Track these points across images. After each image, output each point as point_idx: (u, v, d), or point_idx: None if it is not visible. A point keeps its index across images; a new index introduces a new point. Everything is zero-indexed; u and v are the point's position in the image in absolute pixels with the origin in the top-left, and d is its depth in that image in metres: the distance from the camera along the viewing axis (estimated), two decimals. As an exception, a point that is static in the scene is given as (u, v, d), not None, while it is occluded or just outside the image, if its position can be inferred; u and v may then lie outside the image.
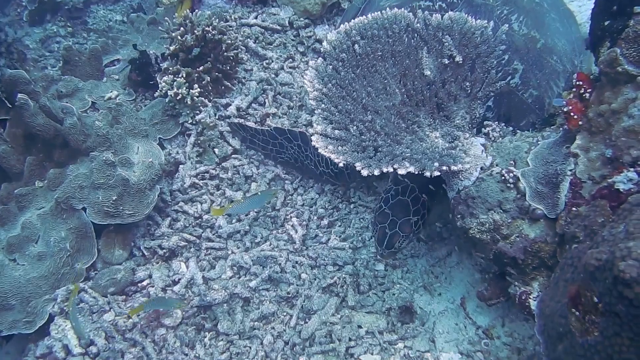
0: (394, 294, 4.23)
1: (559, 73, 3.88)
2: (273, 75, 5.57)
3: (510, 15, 3.84)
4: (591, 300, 2.23)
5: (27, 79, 4.71)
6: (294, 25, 5.94)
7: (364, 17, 3.41)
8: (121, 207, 4.42)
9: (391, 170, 2.91)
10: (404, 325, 4.11)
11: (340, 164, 2.96)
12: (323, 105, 3.18)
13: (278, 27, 5.95)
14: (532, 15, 3.91)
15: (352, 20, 3.41)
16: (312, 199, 4.91)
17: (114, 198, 4.36)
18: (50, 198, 4.62)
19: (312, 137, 3.04)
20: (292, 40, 5.90)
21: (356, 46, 3.33)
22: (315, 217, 4.81)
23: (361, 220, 4.73)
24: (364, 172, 2.89)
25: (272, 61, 5.70)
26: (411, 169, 2.91)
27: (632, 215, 2.31)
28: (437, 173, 2.93)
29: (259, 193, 4.45)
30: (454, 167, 2.97)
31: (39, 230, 4.50)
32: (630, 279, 1.95)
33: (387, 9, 3.37)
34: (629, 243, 2.07)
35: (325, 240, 4.63)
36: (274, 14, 6.01)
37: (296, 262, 4.51)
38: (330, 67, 3.31)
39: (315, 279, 4.38)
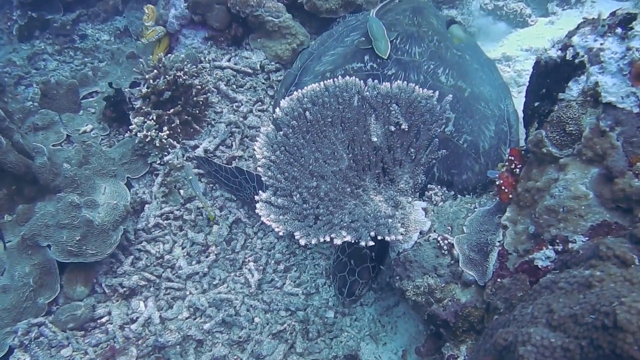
0: (341, 342, 4.42)
1: (489, 117, 4.13)
2: (242, 118, 5.76)
3: (437, 69, 4.11)
4: (498, 376, 2.41)
5: (2, 116, 4.86)
6: (265, 69, 6.16)
7: (317, 84, 3.61)
8: (84, 247, 4.58)
9: (328, 239, 3.09)
10: (348, 374, 4.30)
11: (280, 234, 3.14)
12: (270, 172, 3.36)
13: (249, 71, 6.15)
14: (456, 67, 4.20)
15: (305, 88, 3.60)
16: (271, 242, 5.09)
17: (77, 238, 4.52)
18: (17, 232, 4.77)
19: (257, 205, 3.22)
20: (263, 83, 6.11)
21: (307, 113, 3.53)
22: (273, 262, 4.98)
23: (316, 266, 4.92)
24: (302, 242, 3.07)
25: (242, 104, 5.89)
26: (348, 239, 3.09)
27: (538, 299, 2.50)
28: (371, 243, 3.11)
29: None
30: (387, 238, 3.16)
31: (4, 263, 4.65)
32: (526, 363, 2.13)
33: (327, 73, 3.58)
34: (530, 329, 2.25)
35: (280, 285, 4.82)
36: (247, 58, 6.22)
37: (251, 306, 4.68)
38: (281, 133, 3.50)
39: (267, 324, 4.55)
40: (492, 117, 4.14)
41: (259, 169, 3.38)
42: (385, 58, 4.15)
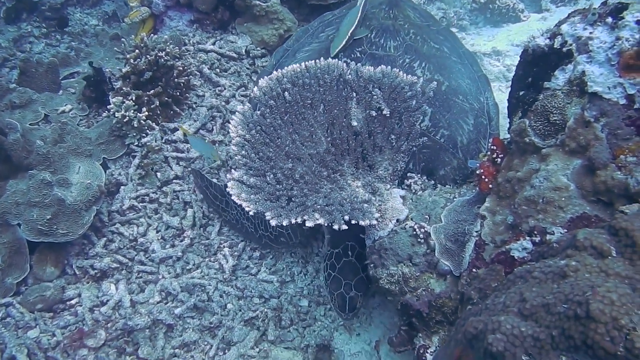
0: (314, 331, 4.35)
1: (467, 111, 4.06)
2: (224, 103, 5.67)
3: (413, 63, 4.04)
4: (468, 366, 2.34)
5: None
6: (250, 54, 6.07)
7: (297, 65, 3.53)
8: (55, 226, 4.47)
9: (300, 221, 3.01)
10: (319, 364, 4.23)
11: (251, 213, 3.05)
12: (244, 151, 3.27)
13: (234, 55, 6.06)
14: (433, 61, 4.13)
15: (285, 68, 3.52)
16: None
17: (48, 217, 4.42)
18: (-12, 210, 4.67)
19: (228, 184, 3.14)
20: (247, 69, 6.02)
21: (286, 93, 3.44)
22: (249, 248, 4.90)
23: (292, 254, 4.84)
24: (273, 222, 2.99)
25: (225, 88, 5.80)
26: (320, 221, 3.01)
27: (511, 288, 2.44)
28: (344, 227, 3.03)
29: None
30: (362, 222, 3.08)
31: (-27, 241, 4.55)
32: (496, 352, 2.06)
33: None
34: (501, 317, 2.19)
35: (255, 272, 4.74)
36: (232, 42, 6.14)
37: (224, 292, 4.60)
38: (258, 112, 3.41)
39: (240, 310, 4.47)
40: (471, 110, 4.08)
41: (232, 147, 3.29)
42: (332, 56, 4.03)
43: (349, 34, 4.09)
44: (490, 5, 7.07)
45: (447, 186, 3.75)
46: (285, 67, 3.51)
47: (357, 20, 4.15)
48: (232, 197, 3.08)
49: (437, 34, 4.50)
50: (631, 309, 1.84)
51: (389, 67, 3.52)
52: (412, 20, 4.47)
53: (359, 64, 3.56)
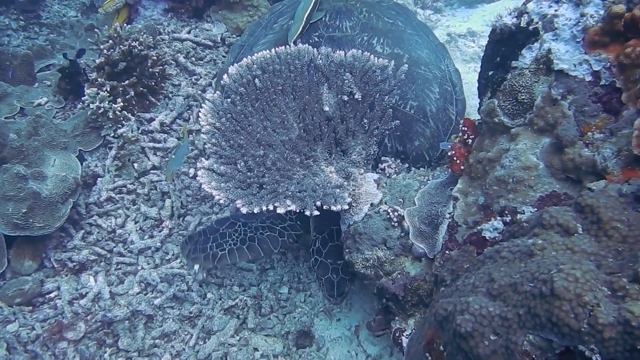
0: (294, 318, 4.34)
1: (431, 80, 4.06)
2: (200, 92, 5.64)
3: (371, 40, 4.03)
4: (439, 347, 2.35)
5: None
6: (226, 42, 6.04)
7: (267, 51, 3.51)
8: (31, 220, 4.44)
9: (271, 208, 3.00)
10: (299, 350, 4.22)
11: (221, 201, 3.03)
12: (214, 139, 3.25)
13: (210, 43, 6.03)
14: (390, 35, 4.13)
15: (255, 54, 3.49)
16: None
17: (23, 211, 4.38)
18: (-37, 205, 4.63)
19: (198, 172, 3.12)
20: (223, 56, 5.98)
21: (256, 80, 3.42)
22: (227, 237, 4.88)
23: (272, 242, 4.82)
24: (243, 210, 2.98)
25: (201, 77, 5.77)
26: (292, 207, 3.01)
27: (481, 269, 2.44)
28: (316, 212, 3.03)
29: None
30: (333, 207, 3.08)
31: (-51, 237, 4.51)
32: (465, 332, 2.06)
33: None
34: (469, 298, 2.20)
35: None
36: (207, 30, 6.10)
37: (203, 282, 4.58)
38: (228, 100, 3.39)
39: (220, 299, 4.46)
40: (435, 79, 4.08)
41: (202, 135, 3.27)
42: (289, 44, 3.99)
43: (304, 19, 4.05)
44: (464, -15, 7.08)
45: (420, 169, 3.74)
46: (256, 54, 3.49)
47: (312, 4, 4.12)
48: (203, 186, 3.06)
49: (388, 9, 4.49)
50: (595, 285, 1.84)
51: (359, 50, 3.50)
52: None
53: (329, 49, 3.55)
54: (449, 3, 7.28)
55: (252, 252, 4.06)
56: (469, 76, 5.14)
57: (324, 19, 4.14)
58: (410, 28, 4.36)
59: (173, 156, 4.47)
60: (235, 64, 3.46)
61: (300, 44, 3.69)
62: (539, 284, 1.93)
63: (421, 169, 3.75)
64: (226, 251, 4.06)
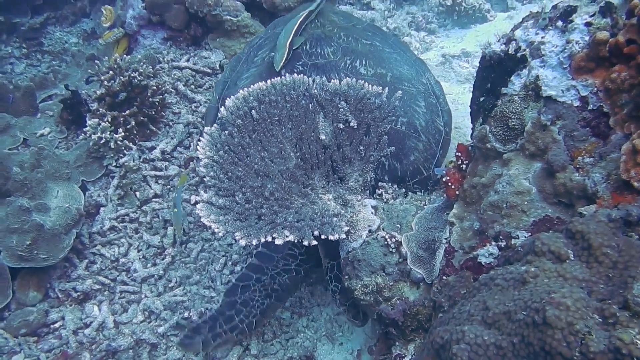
0: (297, 343, 4.37)
1: (416, 95, 4.11)
2: (200, 119, 5.70)
3: (354, 63, 4.08)
4: (437, 374, 2.38)
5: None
6: (224, 69, 6.09)
7: (263, 83, 3.56)
8: (35, 251, 4.49)
9: (269, 239, 3.04)
10: (303, 375, 4.26)
11: (220, 234, 3.08)
12: (212, 172, 3.30)
13: (209, 71, 6.10)
14: (371, 56, 4.18)
15: (251, 86, 3.55)
16: (228, 244, 5.03)
17: (27, 243, 4.43)
18: (-32, 237, 4.68)
19: (197, 206, 3.16)
20: (222, 83, 6.04)
21: (253, 112, 3.47)
22: (230, 263, 4.92)
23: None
24: (242, 242, 3.02)
25: (200, 104, 5.83)
26: (290, 238, 3.04)
27: (476, 296, 2.47)
28: (314, 242, 3.06)
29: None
30: (331, 237, 3.12)
31: (-45, 269, 4.56)
32: (460, 361, 2.10)
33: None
34: (465, 327, 2.23)
35: (238, 287, 4.75)
36: (206, 57, 6.17)
37: (206, 309, 4.61)
38: (226, 132, 3.44)
39: (223, 326, 4.49)
40: (419, 93, 4.13)
41: (201, 169, 3.32)
42: (277, 70, 4.05)
43: (287, 46, 4.10)
44: (456, 7, 7.12)
45: (417, 194, 3.78)
46: (252, 86, 3.53)
47: (293, 31, 4.18)
48: (202, 219, 3.10)
49: (364, 31, 4.56)
50: (586, 313, 1.88)
51: (354, 79, 3.55)
52: (339, 23, 4.53)
53: (323, 78, 3.60)
54: (442, 24, 7.34)
55: (282, 301, 4.12)
56: (464, 97, 5.18)
57: (305, 47, 4.19)
58: (388, 47, 4.43)
59: (175, 210, 4.53)
60: (232, 97, 3.51)
61: (285, 73, 3.74)
62: (531, 312, 1.96)
63: (418, 193, 3.78)
64: (258, 313, 4.04)
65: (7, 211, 4.50)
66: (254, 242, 3.01)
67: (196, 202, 3.19)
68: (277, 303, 4.08)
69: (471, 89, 3.47)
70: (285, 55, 4.06)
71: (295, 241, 3.07)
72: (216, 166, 3.32)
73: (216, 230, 3.05)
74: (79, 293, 4.70)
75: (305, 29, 4.37)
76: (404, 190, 3.83)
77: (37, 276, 4.69)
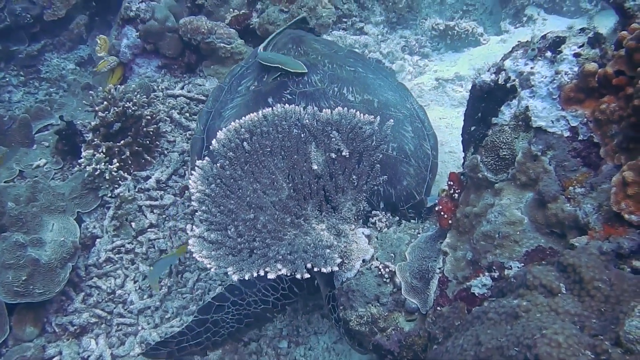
0: (295, 373, 4.36)
1: (402, 120, 4.14)
2: (195, 147, 5.70)
3: (342, 90, 4.12)
4: (432, 409, 2.37)
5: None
6: (207, 99, 6.12)
7: (254, 114, 3.56)
8: (31, 287, 4.48)
9: (262, 273, 3.03)
10: (301, 406, 4.23)
11: (213, 270, 3.07)
12: (204, 207, 3.29)
13: (203, 98, 6.12)
14: (356, 83, 4.21)
15: (243, 118, 3.55)
16: (224, 273, 5.01)
17: (23, 278, 4.43)
18: (-37, 274, 4.67)
19: (189, 241, 3.15)
20: (217, 111, 6.06)
21: (245, 143, 3.47)
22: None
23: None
24: (235, 277, 3.01)
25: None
26: (283, 271, 3.03)
27: (469, 330, 2.46)
28: (307, 275, 3.05)
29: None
30: (323, 269, 3.11)
31: (-50, 307, 4.55)
32: (455, 398, 2.09)
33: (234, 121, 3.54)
34: (458, 362, 2.22)
35: (235, 316, 4.73)
36: (200, 85, 6.19)
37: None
38: (217, 165, 3.44)
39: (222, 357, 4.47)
40: (405, 118, 4.16)
41: (193, 203, 3.32)
42: (305, 71, 4.12)
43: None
44: (449, 31, 7.15)
45: (411, 222, 3.77)
46: (244, 118, 3.54)
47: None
48: (194, 255, 3.09)
49: (346, 58, 4.58)
50: (578, 350, 1.86)
51: (346, 108, 3.56)
52: (321, 51, 4.55)
53: (315, 108, 3.60)
54: (436, 48, 7.37)
55: (251, 329, 4.06)
56: (458, 121, 5.16)
57: (292, 76, 4.20)
58: (371, 72, 4.45)
59: (152, 268, 4.55)
60: (223, 129, 3.51)
61: (273, 104, 3.75)
62: (523, 349, 1.95)
63: (412, 221, 3.78)
64: (226, 334, 3.96)
65: (3, 247, 4.50)
66: (247, 277, 3.00)
67: (188, 239, 3.18)
68: (247, 329, 4.02)
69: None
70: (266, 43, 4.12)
71: (288, 274, 3.06)
72: (208, 200, 3.32)
73: (208, 266, 3.04)
74: (75, 327, 4.68)
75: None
76: (397, 218, 3.82)
77: (33, 311, 4.68)
